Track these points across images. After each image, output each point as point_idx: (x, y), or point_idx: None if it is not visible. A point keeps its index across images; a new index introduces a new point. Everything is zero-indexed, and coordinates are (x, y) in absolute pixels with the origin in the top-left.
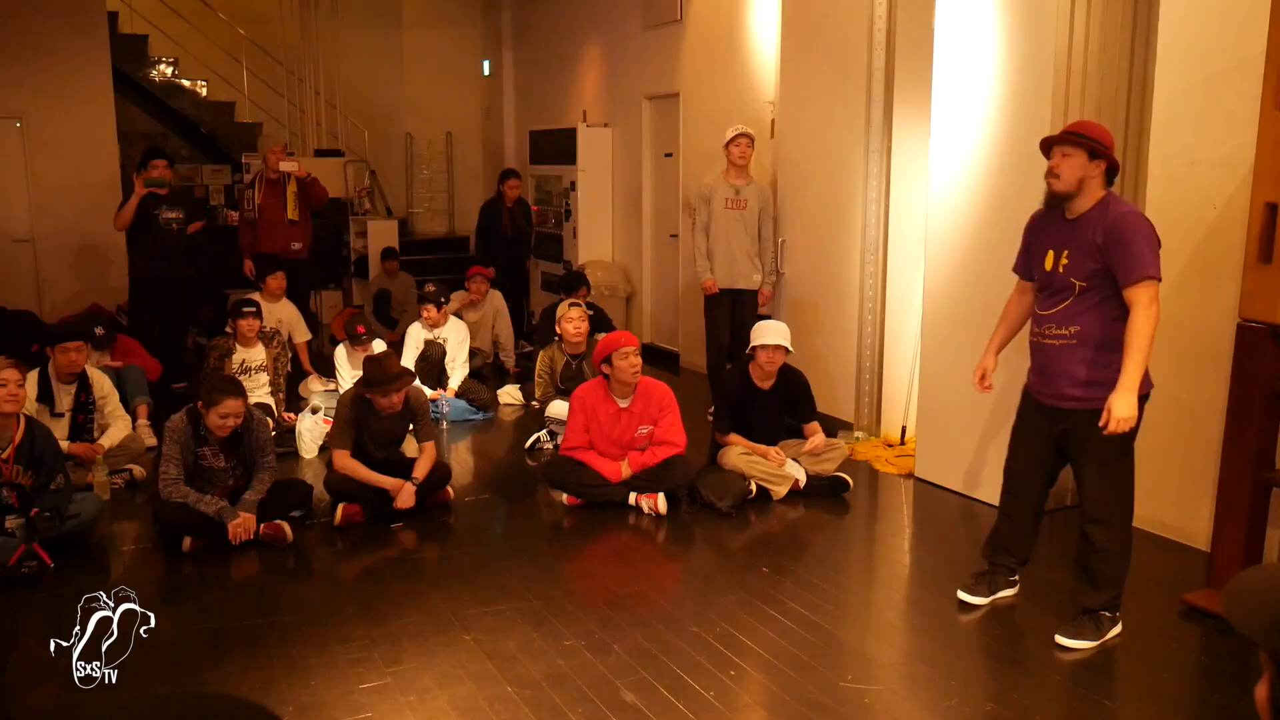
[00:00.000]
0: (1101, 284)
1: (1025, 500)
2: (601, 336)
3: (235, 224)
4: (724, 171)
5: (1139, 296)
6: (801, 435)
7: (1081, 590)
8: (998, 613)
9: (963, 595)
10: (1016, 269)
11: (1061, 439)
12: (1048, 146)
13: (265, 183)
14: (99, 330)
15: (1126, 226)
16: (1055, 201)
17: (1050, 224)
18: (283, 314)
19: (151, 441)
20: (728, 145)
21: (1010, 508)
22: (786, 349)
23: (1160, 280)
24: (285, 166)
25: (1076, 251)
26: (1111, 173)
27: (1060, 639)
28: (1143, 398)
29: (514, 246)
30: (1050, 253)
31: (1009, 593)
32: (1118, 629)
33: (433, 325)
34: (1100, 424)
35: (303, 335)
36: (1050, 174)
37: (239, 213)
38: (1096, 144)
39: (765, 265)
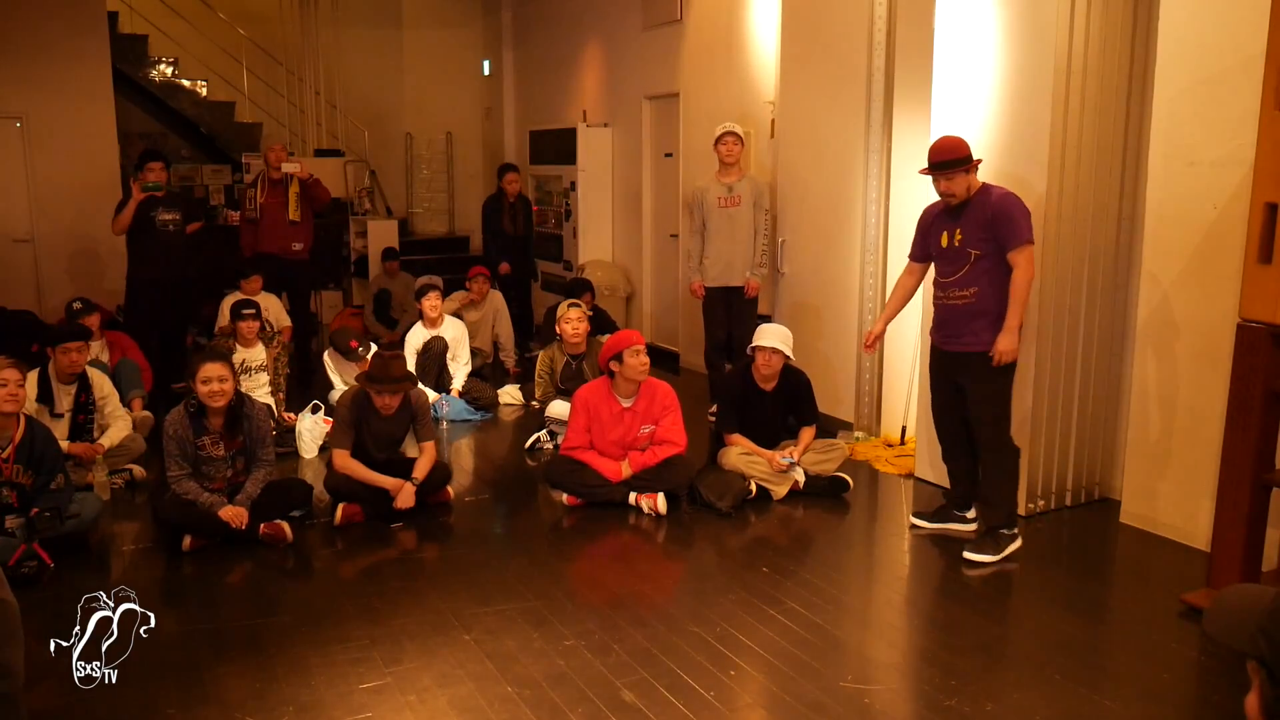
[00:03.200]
0: (991, 253)
1: (951, 438)
2: (605, 337)
3: (236, 223)
4: (716, 172)
5: (1018, 259)
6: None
7: (981, 513)
8: (998, 613)
9: (914, 519)
10: (912, 254)
11: (960, 380)
12: (932, 177)
13: (267, 182)
14: (76, 305)
15: (1006, 205)
16: (959, 207)
17: (941, 214)
18: (263, 304)
19: (145, 414)
20: (716, 144)
21: (944, 449)
22: (785, 355)
23: (1033, 243)
24: (288, 168)
25: (969, 229)
26: (977, 166)
27: (966, 554)
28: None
29: (518, 244)
30: (945, 233)
31: (959, 528)
32: (1017, 544)
33: (433, 324)
34: (991, 353)
35: (283, 322)
36: (947, 195)
37: (240, 212)
38: (963, 161)
39: (755, 257)
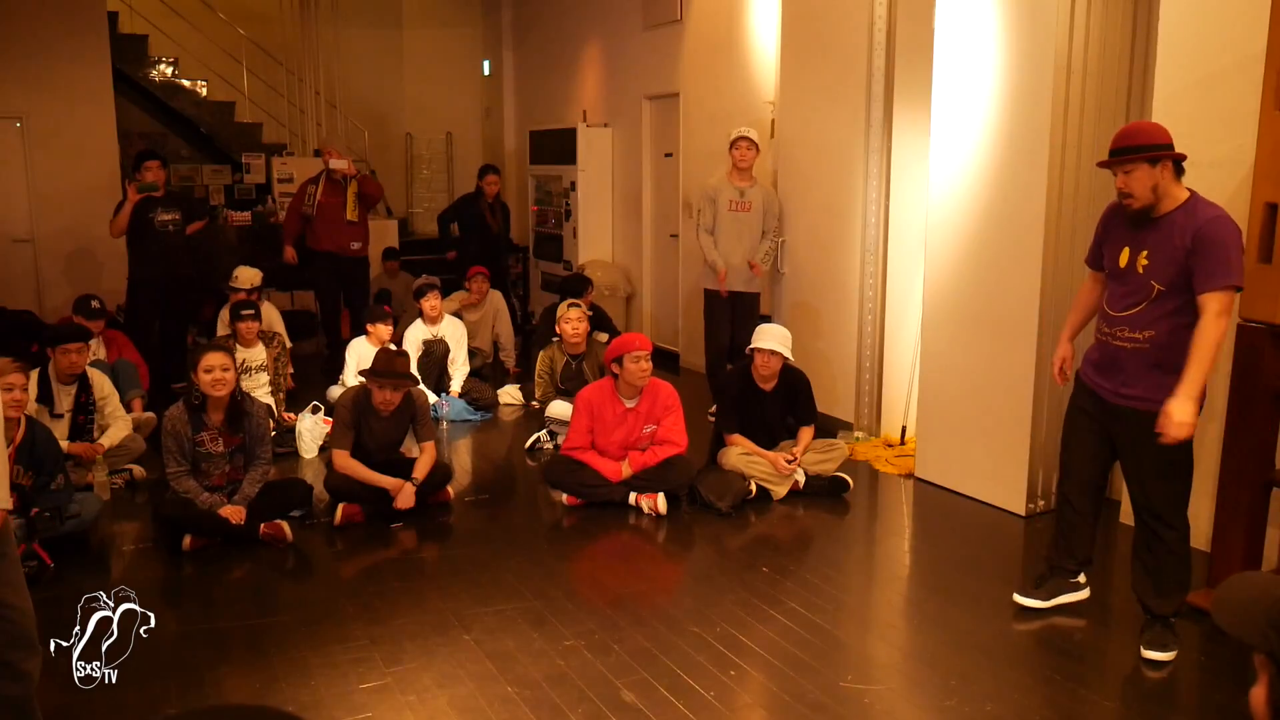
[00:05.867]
0: (1181, 289)
1: (1084, 496)
2: (604, 336)
3: (282, 211)
4: (728, 173)
5: (1212, 304)
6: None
7: (1151, 598)
8: (998, 613)
9: (1019, 599)
10: (1089, 260)
11: (1118, 439)
12: (1110, 167)
13: (327, 181)
14: (94, 304)
15: (1217, 231)
16: (1141, 216)
17: (1122, 218)
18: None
19: (149, 415)
20: (731, 147)
21: (1069, 504)
22: (784, 356)
23: (1241, 290)
24: (335, 164)
25: (1158, 252)
26: (1179, 166)
27: (1148, 653)
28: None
29: (495, 244)
30: (1127, 249)
31: (1074, 596)
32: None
33: (433, 321)
34: (1157, 429)
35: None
36: (1123, 196)
37: (293, 203)
38: (1151, 149)
39: (764, 247)
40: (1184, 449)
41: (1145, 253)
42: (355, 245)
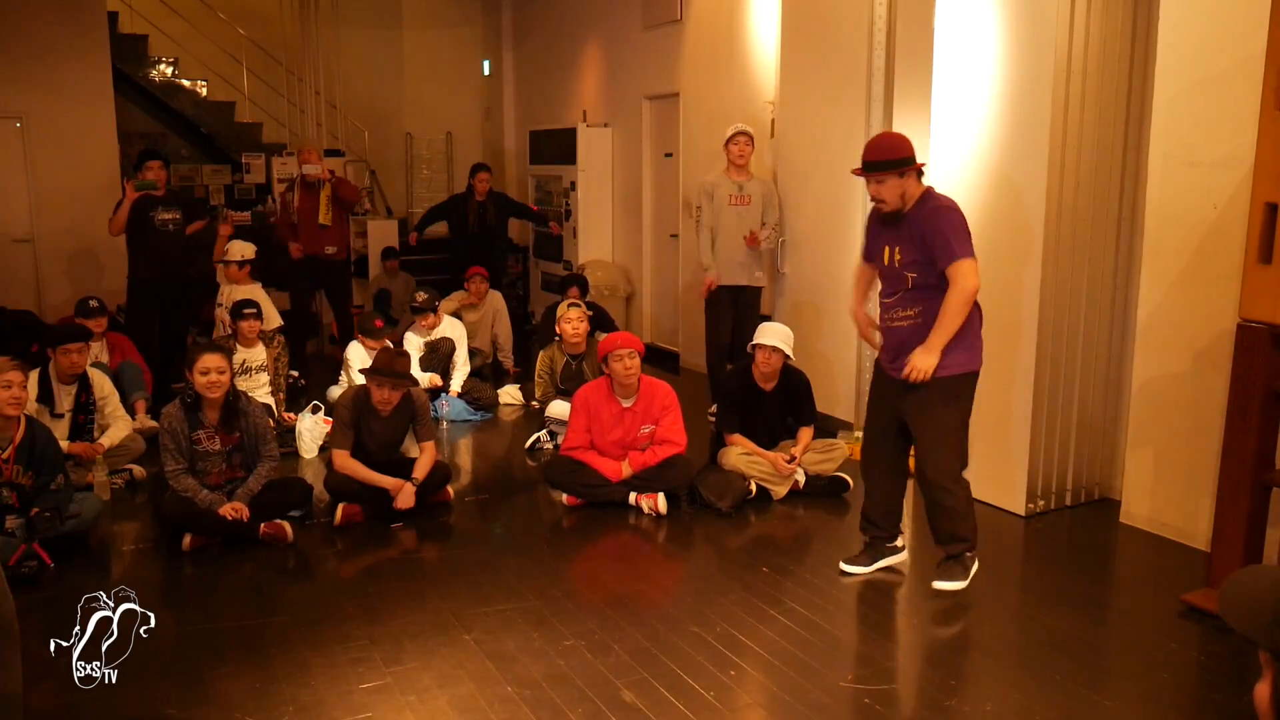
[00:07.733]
0: (928, 273)
1: (881, 466)
2: (603, 336)
3: (275, 223)
4: (725, 169)
5: (953, 276)
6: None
7: (941, 542)
8: (998, 613)
9: (844, 566)
10: (863, 254)
11: (906, 413)
12: (863, 177)
13: (301, 186)
14: (93, 303)
15: (935, 220)
16: (892, 217)
17: (886, 223)
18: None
19: (154, 425)
20: (727, 144)
21: (869, 476)
22: (785, 354)
23: (973, 258)
24: (307, 169)
25: (905, 246)
26: (920, 171)
27: (936, 584)
28: (972, 374)
29: (481, 243)
30: (887, 248)
31: (894, 560)
32: (976, 565)
33: (429, 329)
34: (905, 374)
35: (274, 321)
36: (876, 200)
37: (278, 216)
38: (896, 163)
39: (766, 230)
40: (952, 410)
41: (898, 249)
42: (330, 249)
